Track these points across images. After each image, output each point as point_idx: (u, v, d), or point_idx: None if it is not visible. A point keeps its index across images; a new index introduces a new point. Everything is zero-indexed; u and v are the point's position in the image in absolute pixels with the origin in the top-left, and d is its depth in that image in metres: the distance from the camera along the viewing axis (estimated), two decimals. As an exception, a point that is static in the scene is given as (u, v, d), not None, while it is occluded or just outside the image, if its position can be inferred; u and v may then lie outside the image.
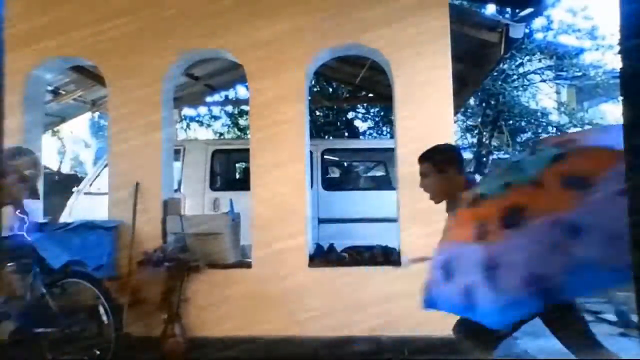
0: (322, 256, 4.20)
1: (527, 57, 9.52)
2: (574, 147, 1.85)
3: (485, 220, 1.73)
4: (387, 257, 4.04)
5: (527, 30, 8.07)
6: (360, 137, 11.18)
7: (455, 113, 6.19)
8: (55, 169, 12.92)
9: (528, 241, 1.60)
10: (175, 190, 5.59)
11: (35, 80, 4.40)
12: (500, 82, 9.21)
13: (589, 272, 1.51)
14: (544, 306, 1.66)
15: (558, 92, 11.23)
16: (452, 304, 1.75)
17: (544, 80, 10.27)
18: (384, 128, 11.37)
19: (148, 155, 4.19)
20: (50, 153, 17.95)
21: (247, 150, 4.24)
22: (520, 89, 10.05)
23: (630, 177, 0.84)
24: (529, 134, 9.75)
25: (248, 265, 4.06)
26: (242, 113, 12.25)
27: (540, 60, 9.92)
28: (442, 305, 1.79)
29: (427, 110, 3.99)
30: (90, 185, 6.14)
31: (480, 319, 1.65)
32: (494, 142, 9.79)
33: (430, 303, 1.83)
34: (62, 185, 8.02)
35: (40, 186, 4.40)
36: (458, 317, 2.38)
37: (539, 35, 9.63)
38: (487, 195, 1.86)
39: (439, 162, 2.41)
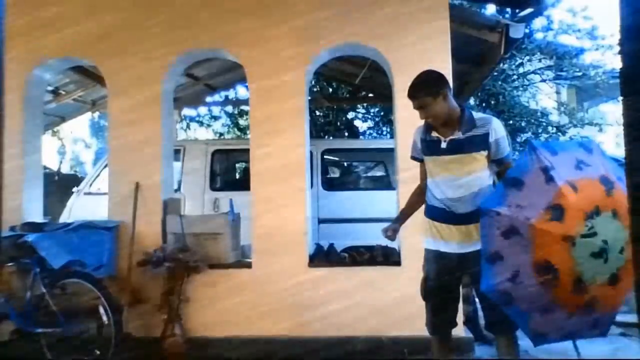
0: (322, 256, 4.20)
1: (527, 57, 9.51)
2: None
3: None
4: (387, 257, 4.04)
5: (527, 30, 8.07)
6: (360, 137, 11.17)
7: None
8: (55, 169, 12.92)
9: None
10: (175, 190, 5.58)
11: (35, 80, 4.40)
12: (500, 82, 9.21)
13: None
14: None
15: (558, 92, 11.23)
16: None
17: (544, 80, 10.27)
18: (384, 128, 11.36)
19: (148, 155, 4.19)
20: (50, 153, 18.04)
21: (247, 150, 4.24)
22: (520, 89, 10.05)
23: (631, 177, 0.84)
24: (529, 134, 9.75)
25: (248, 265, 4.06)
26: (242, 113, 12.25)
27: (540, 60, 9.91)
28: None
29: (427, 110, 3.98)
30: (90, 185, 6.13)
31: None
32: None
33: None
34: (62, 185, 8.03)
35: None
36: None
37: (539, 35, 9.63)
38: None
39: (432, 86, 2.45)
